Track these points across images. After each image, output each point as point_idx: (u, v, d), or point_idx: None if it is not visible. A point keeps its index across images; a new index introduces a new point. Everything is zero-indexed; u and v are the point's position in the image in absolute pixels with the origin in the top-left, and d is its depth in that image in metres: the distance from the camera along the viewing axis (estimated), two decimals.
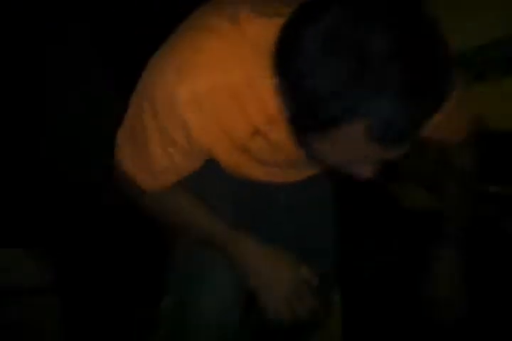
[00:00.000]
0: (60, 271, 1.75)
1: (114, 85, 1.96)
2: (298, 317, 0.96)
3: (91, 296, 1.73)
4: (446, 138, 1.07)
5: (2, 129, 1.90)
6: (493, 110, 1.53)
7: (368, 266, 1.66)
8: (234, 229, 1.02)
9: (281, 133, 0.85)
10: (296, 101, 0.71)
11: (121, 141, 0.99)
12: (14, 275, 1.67)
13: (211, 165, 0.98)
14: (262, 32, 0.78)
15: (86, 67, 2.00)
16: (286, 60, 0.71)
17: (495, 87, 1.64)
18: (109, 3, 1.95)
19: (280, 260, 1.02)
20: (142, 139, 0.92)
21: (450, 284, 1.16)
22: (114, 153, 1.00)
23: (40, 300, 1.68)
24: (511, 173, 1.58)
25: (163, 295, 1.14)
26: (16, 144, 1.92)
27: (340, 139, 0.69)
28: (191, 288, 1.09)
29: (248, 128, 0.88)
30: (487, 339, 1.40)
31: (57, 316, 1.65)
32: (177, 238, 1.12)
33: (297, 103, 0.71)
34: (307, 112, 0.69)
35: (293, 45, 0.69)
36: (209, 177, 1.04)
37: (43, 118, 1.96)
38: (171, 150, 0.91)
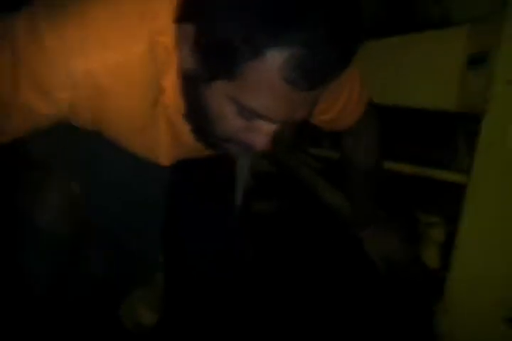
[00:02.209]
0: None
1: None
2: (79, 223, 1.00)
3: None
4: (343, 118, 1.03)
5: None
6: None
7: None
8: None
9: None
10: (208, 46, 0.69)
11: None
12: None
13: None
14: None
15: None
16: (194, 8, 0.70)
17: None
18: None
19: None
20: None
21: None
22: None
23: None
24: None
25: None
26: None
27: (253, 79, 0.68)
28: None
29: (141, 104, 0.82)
30: None
31: None
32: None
33: (209, 48, 0.70)
34: (221, 54, 0.68)
35: None
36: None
37: None
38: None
